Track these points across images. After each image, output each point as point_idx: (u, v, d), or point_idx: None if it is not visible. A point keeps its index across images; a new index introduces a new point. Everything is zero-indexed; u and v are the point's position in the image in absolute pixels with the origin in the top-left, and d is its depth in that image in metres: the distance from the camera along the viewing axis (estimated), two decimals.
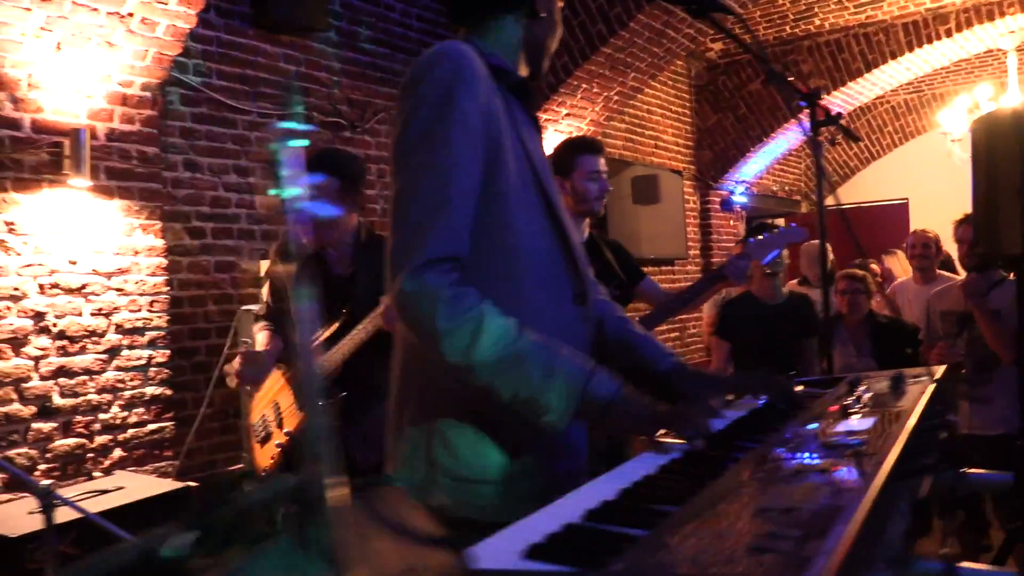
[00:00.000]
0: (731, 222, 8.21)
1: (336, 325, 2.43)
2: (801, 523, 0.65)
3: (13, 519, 2.44)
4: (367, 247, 2.54)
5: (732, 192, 8.03)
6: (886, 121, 9.80)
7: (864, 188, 9.86)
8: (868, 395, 1.26)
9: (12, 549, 2.26)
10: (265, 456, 2.61)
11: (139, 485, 2.83)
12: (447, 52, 1.24)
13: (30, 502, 2.68)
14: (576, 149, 2.75)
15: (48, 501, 1.76)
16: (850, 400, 1.22)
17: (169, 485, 2.85)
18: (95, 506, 2.43)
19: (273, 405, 2.61)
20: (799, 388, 1.45)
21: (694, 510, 0.75)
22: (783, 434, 1.07)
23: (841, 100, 7.35)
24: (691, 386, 1.37)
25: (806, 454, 0.92)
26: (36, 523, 2.38)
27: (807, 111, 1.88)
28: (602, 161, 2.76)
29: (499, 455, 1.24)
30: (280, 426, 2.56)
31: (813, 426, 1.09)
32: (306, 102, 4.28)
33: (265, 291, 2.77)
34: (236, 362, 2.52)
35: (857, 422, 1.07)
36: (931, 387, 1.28)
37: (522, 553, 0.71)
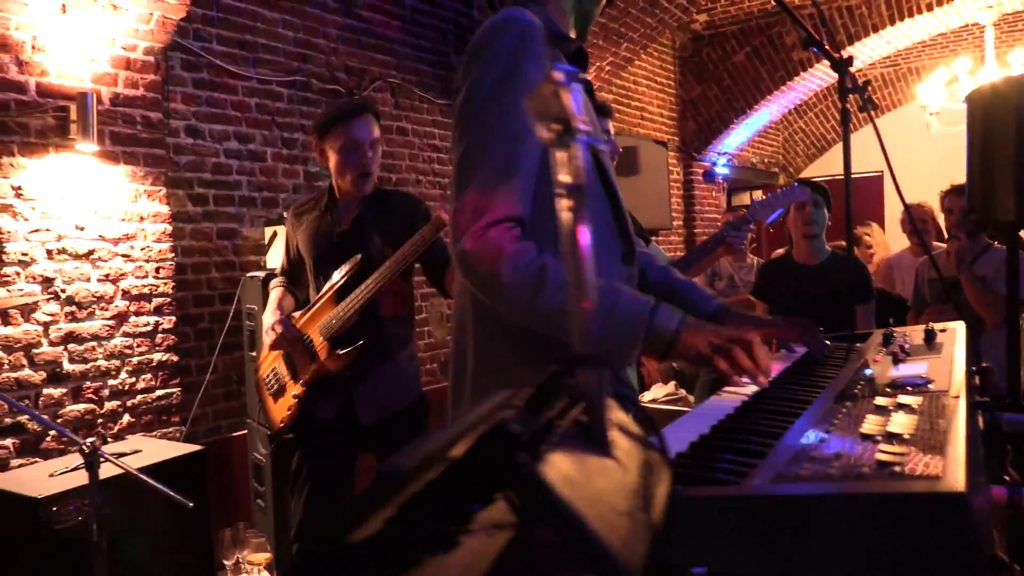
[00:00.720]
0: (713, 193, 8.31)
1: (347, 275, 2.47)
2: (914, 443, 0.72)
3: (35, 481, 2.47)
4: (374, 200, 2.59)
5: (715, 163, 8.13)
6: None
7: (841, 160, 10.00)
8: (908, 344, 1.34)
9: (37, 509, 2.28)
10: (281, 409, 2.65)
11: (155, 448, 2.86)
12: (515, 19, 1.28)
13: (46, 466, 2.71)
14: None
15: (94, 459, 1.78)
16: (894, 349, 1.29)
17: (183, 448, 2.89)
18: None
19: (285, 359, 2.64)
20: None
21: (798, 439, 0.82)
22: (845, 378, 1.14)
23: (823, 72, 7.45)
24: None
25: (877, 393, 0.99)
26: (58, 485, 2.42)
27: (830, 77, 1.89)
28: (611, 123, 2.85)
29: None
30: (295, 378, 2.59)
31: (868, 371, 1.17)
32: (304, 69, 4.25)
33: (282, 249, 2.80)
34: (270, 334, 2.55)
35: (911, 367, 1.15)
36: (963, 336, 1.37)
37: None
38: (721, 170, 8.20)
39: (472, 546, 0.48)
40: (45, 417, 2.21)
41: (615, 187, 1.41)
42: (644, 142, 7.09)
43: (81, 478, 2.47)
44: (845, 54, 1.86)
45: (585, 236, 0.48)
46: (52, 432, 2.98)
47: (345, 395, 2.56)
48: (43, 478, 2.49)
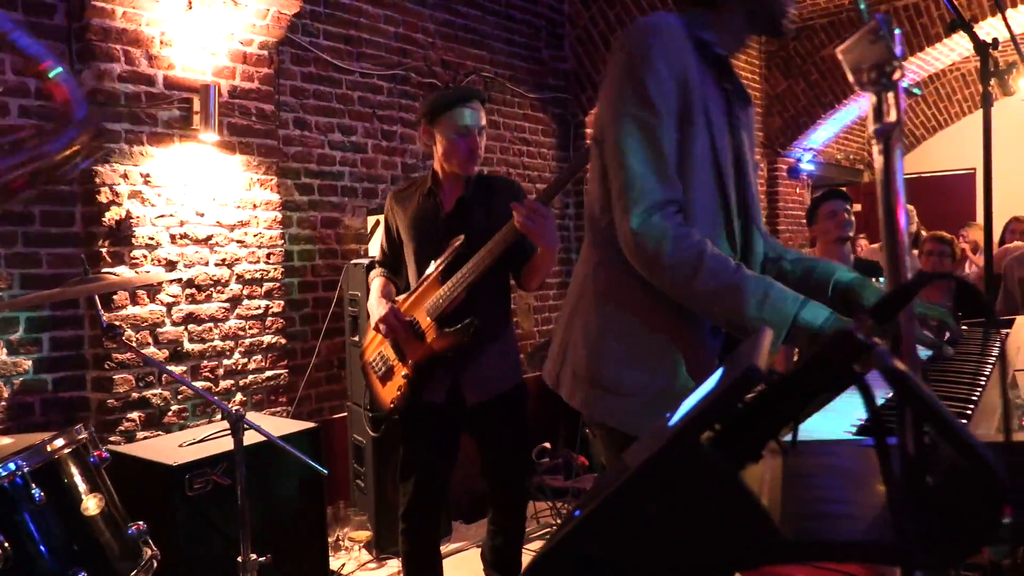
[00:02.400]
0: (797, 190, 8.15)
1: (451, 256, 2.52)
2: None
3: (168, 451, 2.60)
4: (477, 183, 2.64)
5: (799, 159, 7.97)
6: (955, 89, 9.59)
7: (931, 157, 9.69)
8: None
9: (174, 477, 2.41)
10: (391, 390, 2.70)
11: (270, 424, 2.98)
12: (652, 23, 1.41)
13: (170, 439, 2.86)
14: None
15: (238, 425, 1.88)
16: None
17: (299, 425, 3.00)
18: (246, 439, 2.57)
19: (391, 342, 2.69)
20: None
21: None
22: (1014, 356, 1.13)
23: (916, 67, 7.22)
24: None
25: None
26: (189, 455, 2.55)
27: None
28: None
29: (656, 377, 1.39)
30: (403, 360, 2.64)
31: None
32: (404, 63, 4.36)
33: (381, 236, 2.83)
34: (380, 326, 2.61)
35: None
36: None
37: None
38: (806, 166, 8.03)
39: (765, 461, 0.52)
40: (198, 385, 2.34)
41: (727, 185, 1.45)
42: None
43: (208, 449, 2.61)
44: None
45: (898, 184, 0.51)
46: (173, 408, 3.14)
47: (452, 377, 2.60)
48: (173, 448, 2.63)
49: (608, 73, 1.43)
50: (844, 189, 3.61)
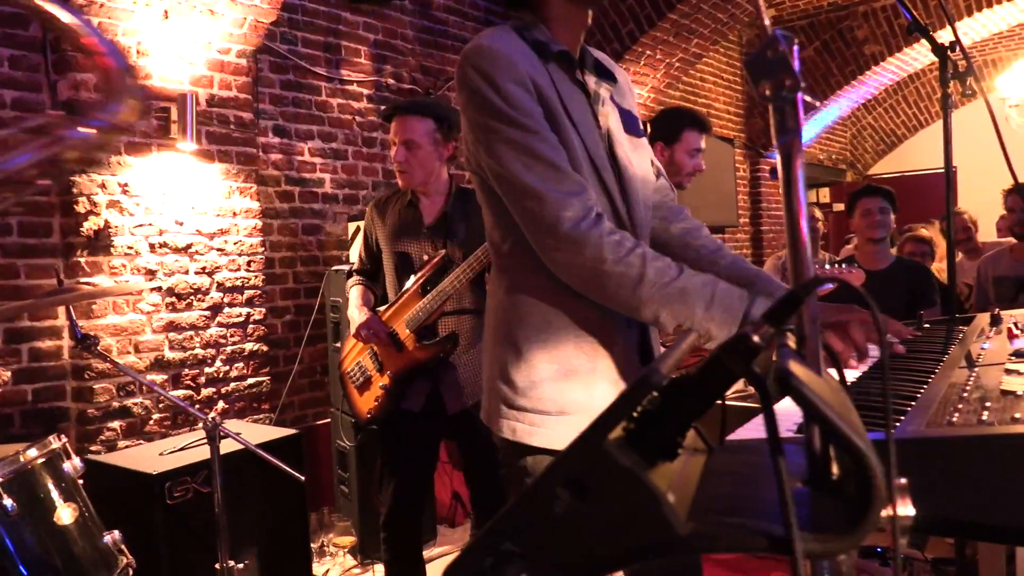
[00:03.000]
0: (779, 190, 8.21)
1: (431, 270, 2.55)
2: None
3: (148, 459, 2.61)
4: (458, 198, 2.66)
5: None
6: (935, 88, 9.68)
7: (910, 157, 9.79)
8: (1020, 324, 1.35)
9: (153, 485, 2.41)
10: (368, 400, 2.72)
11: (252, 432, 2.98)
12: (482, 48, 1.35)
13: (151, 448, 2.87)
14: (686, 121, 2.85)
15: (214, 433, 1.90)
16: (1004, 328, 1.31)
17: (279, 432, 3.00)
18: (227, 447, 2.58)
19: (369, 352, 2.71)
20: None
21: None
22: (962, 352, 1.16)
23: (895, 66, 7.30)
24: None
25: (1003, 362, 1.02)
26: (169, 463, 2.56)
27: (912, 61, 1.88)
28: (704, 140, 2.86)
29: (581, 393, 1.37)
30: (382, 371, 2.66)
31: (986, 345, 1.19)
32: (383, 69, 4.38)
33: (359, 245, 2.84)
34: (361, 332, 2.62)
35: None
36: None
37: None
38: None
39: (683, 459, 0.55)
40: (176, 396, 2.35)
41: (606, 179, 1.42)
42: (710, 139, 7.05)
43: (188, 458, 2.62)
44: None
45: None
46: (155, 416, 3.15)
47: (432, 385, 2.63)
48: (154, 457, 2.64)
49: (462, 110, 1.39)
50: (887, 188, 3.43)
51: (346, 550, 3.68)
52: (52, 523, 1.62)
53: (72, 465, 1.73)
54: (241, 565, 1.95)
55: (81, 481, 1.84)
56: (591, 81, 1.48)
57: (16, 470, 1.57)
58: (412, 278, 2.59)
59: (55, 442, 1.75)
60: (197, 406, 3.31)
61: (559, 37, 1.44)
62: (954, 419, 0.72)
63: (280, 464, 1.99)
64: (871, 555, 3.26)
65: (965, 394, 0.82)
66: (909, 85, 9.54)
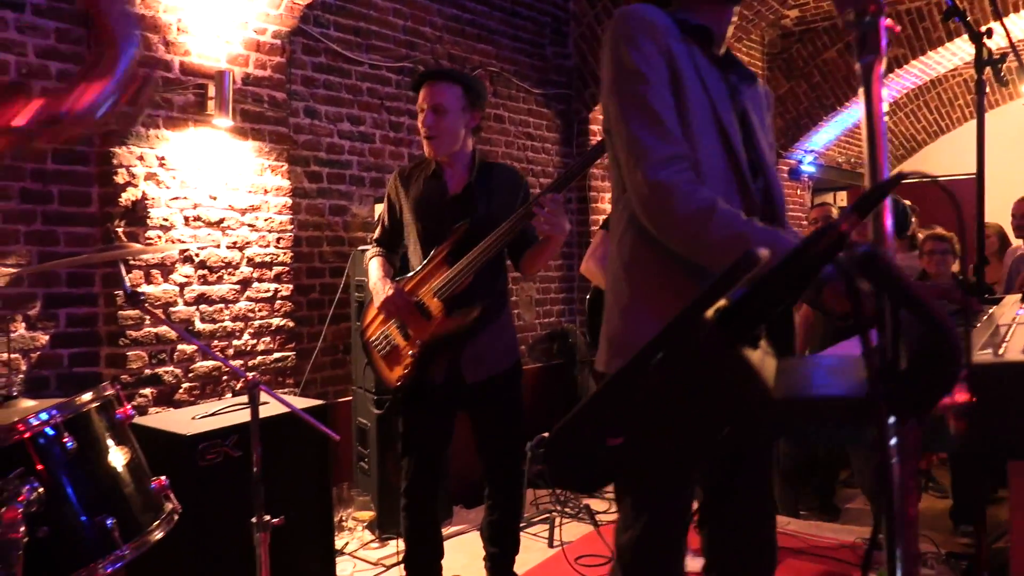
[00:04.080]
0: (798, 191, 8.24)
1: (456, 239, 2.59)
2: None
3: (182, 422, 2.67)
4: (482, 170, 2.70)
5: (801, 161, 8.05)
6: (957, 94, 9.67)
7: (932, 162, 9.78)
8: None
9: (187, 447, 2.48)
10: (397, 369, 2.74)
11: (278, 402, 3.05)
12: (630, 9, 1.49)
13: (182, 412, 2.93)
14: None
15: (255, 392, 1.96)
16: None
17: (306, 402, 3.06)
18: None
19: (396, 321, 2.74)
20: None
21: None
22: (994, 320, 1.21)
23: (918, 70, 7.31)
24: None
25: None
26: (203, 426, 2.62)
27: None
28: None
29: None
30: (408, 339, 2.70)
31: (1021, 311, 1.24)
32: (411, 55, 4.44)
33: (383, 214, 2.85)
34: (385, 303, 2.66)
35: None
36: None
37: None
38: (807, 168, 8.12)
39: (760, 354, 0.60)
40: (220, 354, 2.41)
41: (736, 147, 1.49)
42: None
43: (220, 422, 2.68)
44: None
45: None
46: (184, 385, 3.22)
47: (452, 356, 2.67)
48: (186, 420, 2.70)
49: (602, 66, 1.51)
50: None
51: (364, 524, 3.75)
52: (106, 464, 1.68)
53: (123, 412, 1.79)
54: (276, 520, 2.01)
55: None
56: (732, 76, 1.56)
57: (75, 411, 1.63)
58: (436, 248, 2.63)
59: (109, 389, 1.81)
60: (225, 377, 3.39)
61: (699, 18, 1.53)
62: (1000, 351, 0.77)
63: (319, 424, 2.05)
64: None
65: (1008, 338, 0.87)
66: (932, 90, 9.54)
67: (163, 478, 1.83)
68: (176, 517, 1.82)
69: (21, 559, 1.35)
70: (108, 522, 1.58)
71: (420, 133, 2.65)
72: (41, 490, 1.48)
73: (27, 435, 1.54)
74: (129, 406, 1.83)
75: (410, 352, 2.68)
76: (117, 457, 1.70)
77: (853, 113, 7.77)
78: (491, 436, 2.75)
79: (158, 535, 1.72)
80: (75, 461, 1.57)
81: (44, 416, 1.56)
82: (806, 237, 0.50)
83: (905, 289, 0.47)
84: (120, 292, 3.02)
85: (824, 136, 8.06)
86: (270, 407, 2.93)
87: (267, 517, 2.02)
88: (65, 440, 1.55)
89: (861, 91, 0.64)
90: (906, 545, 0.57)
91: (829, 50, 7.39)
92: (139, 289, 3.07)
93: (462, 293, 2.59)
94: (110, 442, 1.71)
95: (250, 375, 2.00)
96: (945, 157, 9.74)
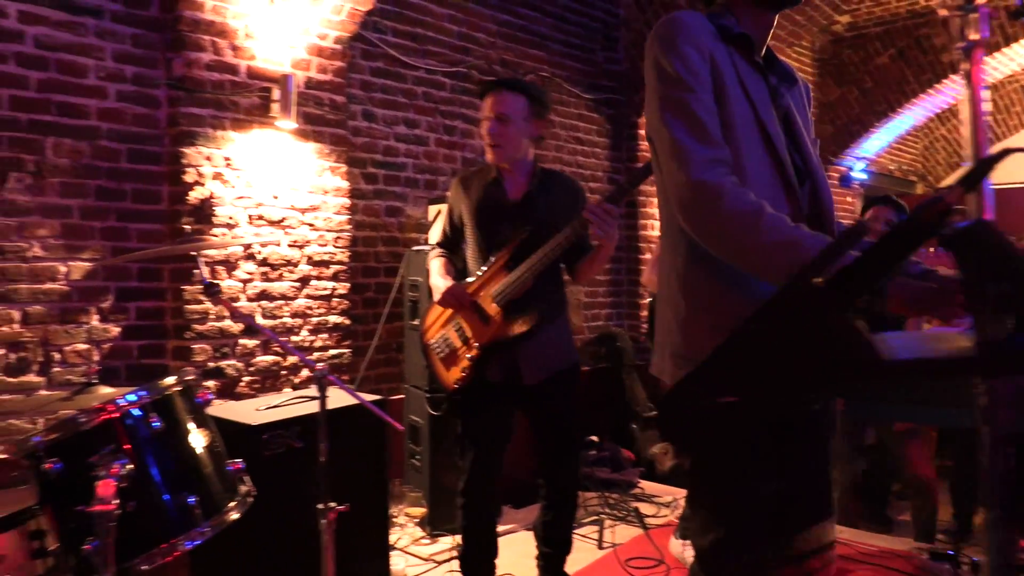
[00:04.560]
0: (848, 199, 8.13)
1: (516, 245, 2.64)
2: None
3: (247, 413, 2.75)
4: (542, 177, 2.75)
5: (851, 168, 7.95)
6: (1014, 100, 9.46)
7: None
8: None
9: (252, 437, 2.56)
10: (454, 371, 2.80)
11: (337, 395, 3.11)
12: (673, 17, 1.50)
13: (245, 404, 3.02)
14: None
15: (323, 382, 2.03)
16: None
17: (367, 396, 3.12)
18: (313, 409, 2.70)
19: (454, 325, 2.80)
20: None
21: None
22: None
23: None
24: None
25: None
26: (267, 417, 2.70)
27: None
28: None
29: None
30: (466, 343, 2.75)
31: None
32: (466, 61, 4.52)
33: (443, 220, 2.93)
34: (446, 298, 2.73)
35: None
36: None
37: None
38: (858, 175, 8.01)
39: (863, 323, 0.63)
40: (291, 345, 2.49)
41: (781, 152, 1.48)
42: None
43: (282, 414, 2.76)
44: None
45: None
46: (245, 379, 3.32)
47: (511, 357, 2.71)
48: (250, 411, 2.79)
49: (645, 74, 1.53)
50: (901, 202, 3.59)
51: (416, 521, 3.81)
52: (188, 445, 1.76)
53: (203, 396, 1.88)
54: (342, 507, 2.07)
55: None
56: (772, 78, 1.57)
57: (160, 393, 1.72)
58: (497, 254, 2.69)
59: (190, 374, 1.90)
60: (284, 371, 3.48)
61: (741, 26, 1.55)
62: None
63: (386, 416, 2.11)
64: (940, 558, 3.26)
65: None
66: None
67: (239, 461, 1.91)
68: (251, 499, 1.89)
69: (114, 530, 1.42)
70: (190, 500, 1.65)
71: (484, 140, 2.71)
72: (131, 466, 1.56)
73: (116, 415, 1.62)
74: (209, 391, 1.91)
75: (468, 356, 2.73)
76: (198, 439, 1.78)
77: (906, 120, 7.66)
78: (549, 436, 2.78)
79: (235, 515, 1.79)
80: (160, 441, 1.65)
81: (132, 397, 1.64)
82: (915, 208, 0.53)
83: (1015, 258, 0.50)
84: (187, 287, 3.13)
85: (876, 143, 7.95)
86: (330, 400, 3.00)
87: (333, 504, 2.08)
88: (152, 420, 1.63)
89: (961, 72, 0.67)
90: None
91: (881, 55, 7.29)
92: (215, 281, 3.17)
93: (520, 299, 2.64)
94: (192, 424, 1.79)
95: (319, 366, 2.07)
96: (1002, 165, 9.51)
